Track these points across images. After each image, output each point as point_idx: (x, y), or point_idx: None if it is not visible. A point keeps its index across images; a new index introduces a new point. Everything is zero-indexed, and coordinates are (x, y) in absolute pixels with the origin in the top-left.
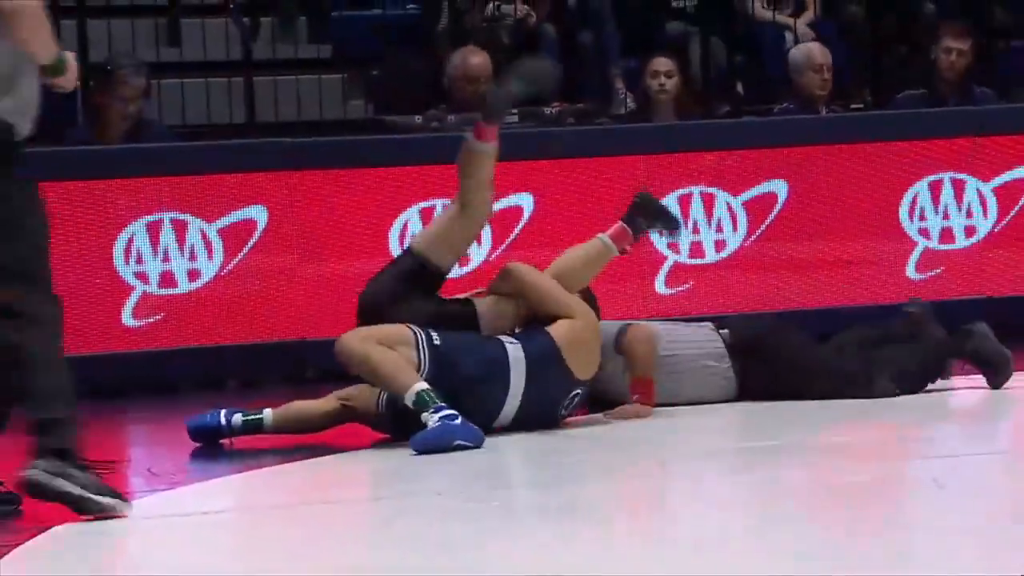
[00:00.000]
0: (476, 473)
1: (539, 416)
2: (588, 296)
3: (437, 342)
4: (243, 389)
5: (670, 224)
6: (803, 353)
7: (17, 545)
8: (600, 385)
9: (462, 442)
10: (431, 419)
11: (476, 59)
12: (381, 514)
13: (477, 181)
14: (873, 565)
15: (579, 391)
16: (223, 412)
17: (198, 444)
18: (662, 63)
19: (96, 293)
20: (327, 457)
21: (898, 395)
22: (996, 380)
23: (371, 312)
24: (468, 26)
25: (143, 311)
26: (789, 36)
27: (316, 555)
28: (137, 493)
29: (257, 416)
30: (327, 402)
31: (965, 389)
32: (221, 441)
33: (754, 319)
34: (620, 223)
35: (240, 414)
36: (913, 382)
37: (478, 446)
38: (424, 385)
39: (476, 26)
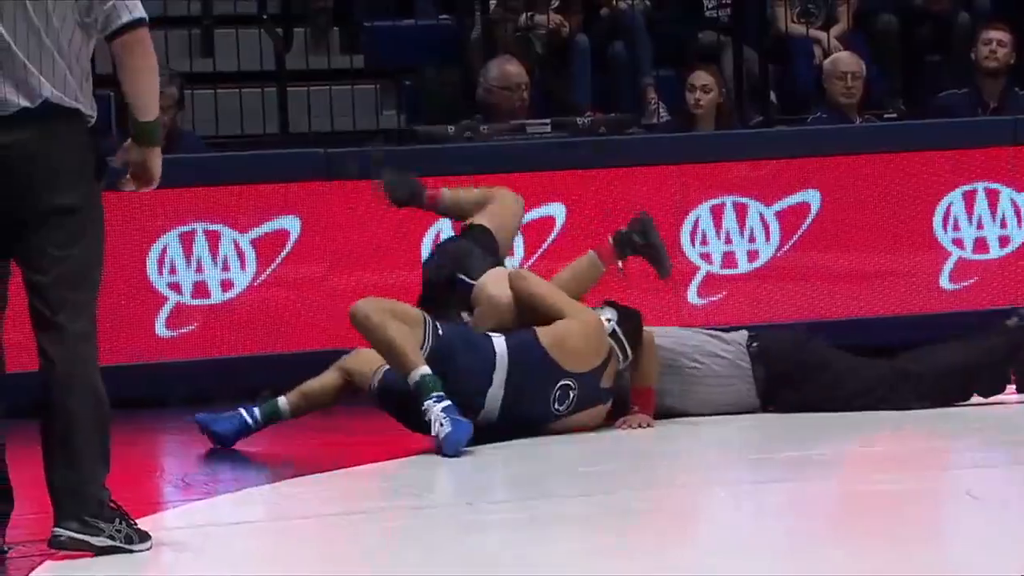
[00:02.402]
0: (506, 483)
1: (530, 410)
2: (633, 316)
3: (440, 332)
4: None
5: (659, 256)
6: (835, 372)
7: (48, 556)
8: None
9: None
10: (433, 408)
11: (512, 67)
12: (414, 524)
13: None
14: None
15: (569, 383)
16: (244, 412)
17: (219, 446)
18: (700, 77)
19: (129, 304)
20: (360, 467)
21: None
22: None
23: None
24: (501, 36)
25: (176, 321)
26: (817, 49)
27: (349, 565)
28: (171, 503)
29: (273, 405)
30: (332, 376)
31: (1001, 402)
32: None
33: (786, 333)
34: (609, 239)
35: (258, 408)
36: (952, 396)
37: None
38: (428, 370)
39: (509, 36)
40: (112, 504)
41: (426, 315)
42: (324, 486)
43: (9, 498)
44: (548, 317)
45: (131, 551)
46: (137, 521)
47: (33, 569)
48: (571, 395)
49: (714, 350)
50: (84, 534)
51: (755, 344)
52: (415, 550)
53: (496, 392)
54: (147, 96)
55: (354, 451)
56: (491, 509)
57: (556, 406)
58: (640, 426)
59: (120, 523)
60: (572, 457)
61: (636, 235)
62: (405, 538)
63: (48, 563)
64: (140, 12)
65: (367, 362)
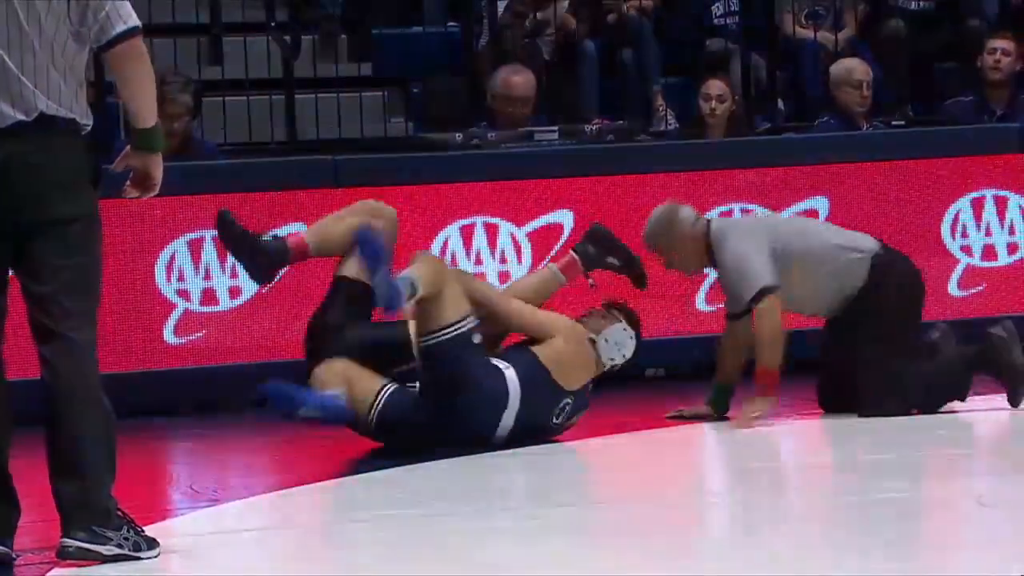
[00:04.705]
0: (518, 491)
1: (534, 429)
2: (628, 313)
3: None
4: None
5: (624, 258)
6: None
7: (55, 563)
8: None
9: (308, 413)
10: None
11: (519, 77)
12: (422, 531)
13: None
14: None
15: (568, 400)
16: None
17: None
18: (715, 86)
19: (138, 311)
20: (367, 474)
21: (911, 414)
22: (1015, 398)
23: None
24: (509, 43)
25: (185, 328)
26: (825, 55)
27: (358, 573)
28: (178, 510)
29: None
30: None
31: (1005, 409)
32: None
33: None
34: (570, 253)
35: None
36: (931, 400)
37: (329, 422)
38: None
39: (517, 43)
40: (119, 512)
41: (388, 383)
42: (331, 494)
43: (16, 506)
44: (520, 331)
45: (139, 558)
46: (145, 528)
47: None
48: (567, 408)
49: None
50: (92, 544)
51: None
52: (423, 558)
53: (507, 423)
54: (145, 103)
55: (361, 459)
56: (503, 517)
57: (555, 420)
58: (755, 417)
59: (128, 531)
60: (580, 466)
61: (610, 258)
62: (413, 546)
63: (56, 571)
64: (134, 20)
65: (363, 398)
